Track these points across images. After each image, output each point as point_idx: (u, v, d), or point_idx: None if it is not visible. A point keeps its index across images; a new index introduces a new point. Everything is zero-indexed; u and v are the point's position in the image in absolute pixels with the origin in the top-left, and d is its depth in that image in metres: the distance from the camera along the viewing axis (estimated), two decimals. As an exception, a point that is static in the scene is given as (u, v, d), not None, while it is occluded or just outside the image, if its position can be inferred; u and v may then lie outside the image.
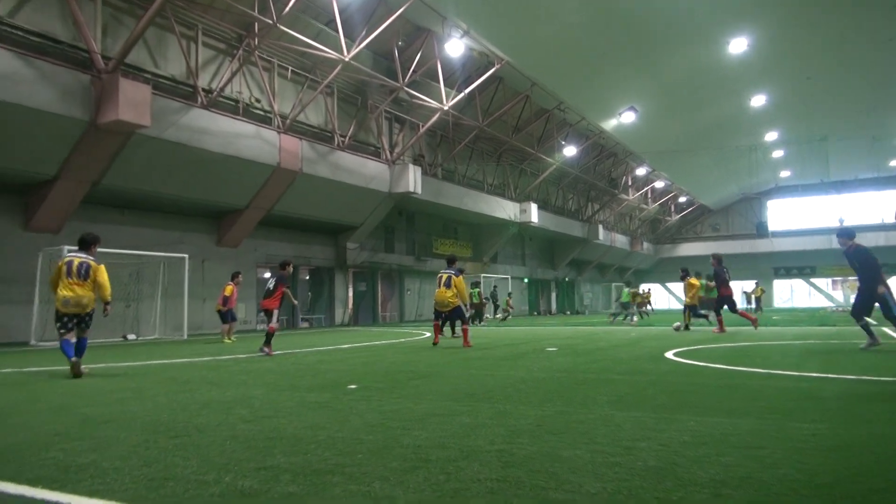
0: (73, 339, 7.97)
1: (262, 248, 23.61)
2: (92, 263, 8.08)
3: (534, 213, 36.59)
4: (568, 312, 47.74)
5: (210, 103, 18.69)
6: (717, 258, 15.61)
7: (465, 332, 12.13)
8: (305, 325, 25.96)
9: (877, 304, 9.18)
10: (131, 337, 17.72)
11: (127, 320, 18.24)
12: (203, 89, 19.05)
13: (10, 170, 15.14)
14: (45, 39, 15.51)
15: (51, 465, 3.32)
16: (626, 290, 24.27)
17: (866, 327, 9.33)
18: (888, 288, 9.01)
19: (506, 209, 35.16)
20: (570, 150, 36.24)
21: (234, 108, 20.34)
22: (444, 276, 12.28)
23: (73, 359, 7.68)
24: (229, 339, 15.13)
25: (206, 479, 3.01)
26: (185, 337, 17.67)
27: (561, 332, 17.70)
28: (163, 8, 15.72)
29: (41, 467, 3.29)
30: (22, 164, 15.13)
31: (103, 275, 8.12)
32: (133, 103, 15.25)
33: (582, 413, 4.60)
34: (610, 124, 35.59)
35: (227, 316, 15.42)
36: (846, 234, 9.64)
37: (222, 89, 19.21)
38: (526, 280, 43.88)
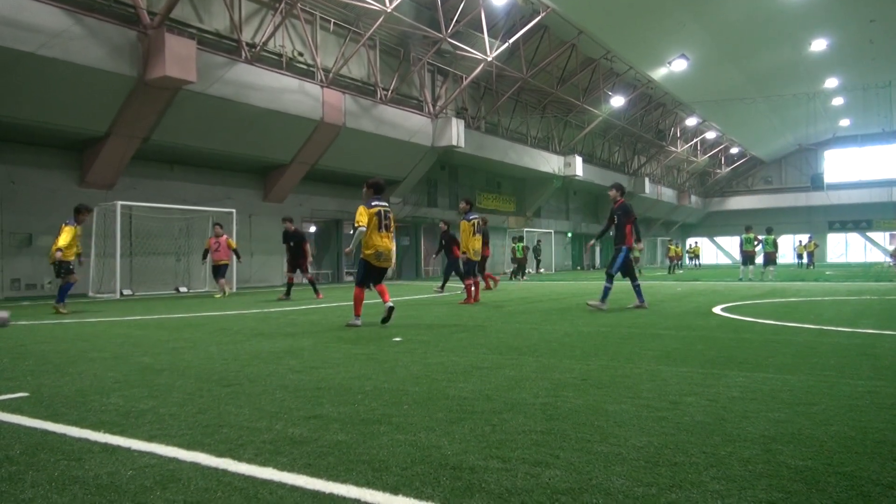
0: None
1: (307, 203, 23.87)
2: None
3: (578, 167, 35.96)
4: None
5: (254, 58, 18.72)
6: None
7: (467, 287, 11.73)
8: (350, 278, 26.31)
9: None
10: (183, 289, 18.29)
11: (178, 273, 18.80)
12: (247, 43, 19.07)
13: (64, 127, 15.52)
14: (92, -4, 15.66)
15: (112, 411, 3.47)
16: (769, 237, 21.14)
17: None
18: None
19: (550, 163, 34.64)
20: (616, 101, 35.28)
21: (278, 62, 20.33)
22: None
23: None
24: (224, 294, 15.38)
25: (258, 426, 3.10)
26: (234, 290, 18.15)
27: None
28: (205, -39, 15.65)
29: (103, 412, 3.45)
30: (75, 121, 15.49)
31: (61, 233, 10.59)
32: (179, 59, 15.37)
33: (627, 368, 4.58)
34: (659, 73, 34.43)
35: (217, 271, 15.59)
36: None
37: (265, 43, 19.19)
38: (569, 234, 43.45)
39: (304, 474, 2.42)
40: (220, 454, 2.66)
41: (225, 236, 15.57)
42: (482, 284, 14.77)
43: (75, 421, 3.25)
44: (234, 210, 18.59)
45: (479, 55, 25.26)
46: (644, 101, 39.30)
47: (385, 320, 7.79)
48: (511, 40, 25.56)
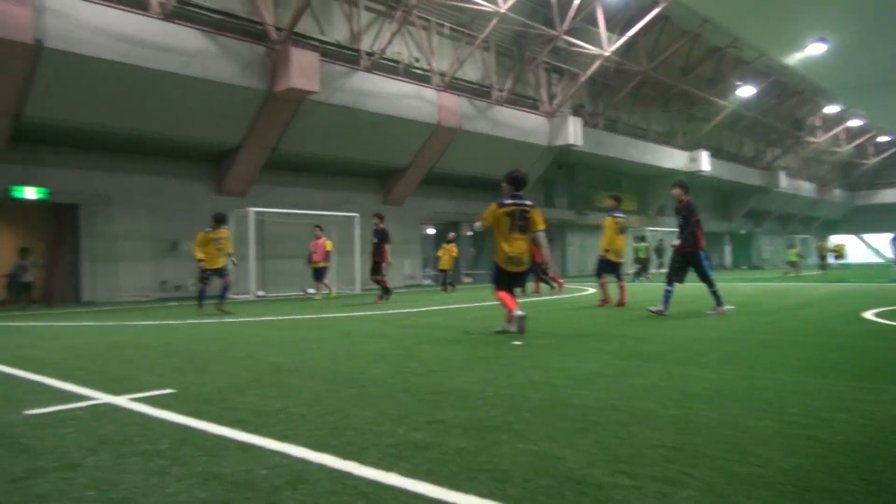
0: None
1: (425, 206, 24.32)
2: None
3: (705, 162, 34.24)
4: (745, 268, 44.53)
5: (372, 66, 19.32)
6: None
7: (602, 286, 11.21)
8: (469, 280, 26.52)
9: None
10: (310, 291, 19.15)
11: (306, 276, 19.71)
12: (366, 52, 19.71)
13: (203, 140, 16.77)
14: (225, 16, 16.79)
15: (247, 410, 3.65)
16: None
17: None
18: None
19: (673, 158, 33.22)
20: (746, 91, 33.26)
21: (395, 69, 20.86)
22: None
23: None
24: (330, 294, 15.67)
25: (381, 429, 3.15)
26: (359, 291, 18.78)
27: (738, 288, 16.53)
28: (327, -24, 16.35)
29: (240, 410, 3.63)
30: (212, 134, 16.69)
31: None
32: (303, 71, 16.16)
33: (767, 378, 4.24)
34: (794, 59, 31.97)
35: (319, 273, 15.67)
36: None
37: (383, 51, 19.75)
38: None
39: (427, 481, 2.41)
40: (345, 457, 2.71)
41: (323, 238, 15.68)
42: (549, 286, 15.39)
43: (214, 418, 3.45)
44: (356, 214, 19.26)
45: (595, 50, 24.67)
46: (778, 90, 36.77)
47: (507, 331, 6.92)
48: (630, 33, 24.76)
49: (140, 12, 14.61)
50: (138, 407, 3.78)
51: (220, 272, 11.29)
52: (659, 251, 30.20)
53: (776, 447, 2.70)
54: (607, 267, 11.09)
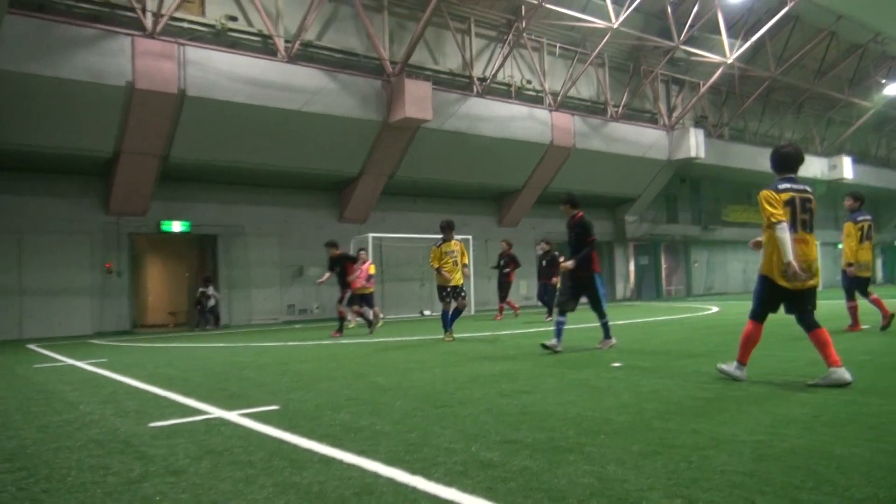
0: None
1: (539, 226, 24.20)
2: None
3: (847, 168, 31.56)
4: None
5: (484, 91, 19.69)
6: None
7: (851, 310, 8.80)
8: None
9: None
10: (427, 313, 19.65)
11: (423, 298, 20.26)
12: (477, 78, 20.12)
13: (325, 171, 17.82)
14: (345, 54, 17.81)
15: (338, 426, 3.90)
16: None
17: None
18: None
19: (811, 166, 30.87)
20: (893, 89, 30.41)
21: (507, 91, 21.10)
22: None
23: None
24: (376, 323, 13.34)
25: (455, 447, 3.27)
26: (472, 312, 19.02)
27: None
28: (438, 7, 16.92)
29: (330, 426, 3.89)
30: (333, 165, 17.69)
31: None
32: (417, 100, 16.78)
33: (878, 404, 3.94)
34: (949, 50, 29.01)
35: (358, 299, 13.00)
36: None
37: (495, 75, 20.08)
38: (839, 246, 38.12)
39: (484, 497, 2.50)
40: (414, 472, 2.86)
41: (368, 262, 13.89)
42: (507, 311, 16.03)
43: (307, 433, 3.72)
44: (470, 236, 19.57)
45: (717, 58, 23.64)
46: (931, 85, 33.33)
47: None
48: (754, 37, 23.49)
49: (267, 57, 15.86)
50: (244, 421, 4.15)
51: (457, 291, 9.77)
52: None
53: (859, 476, 2.55)
54: (855, 284, 8.75)
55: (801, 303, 4.87)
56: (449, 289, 9.71)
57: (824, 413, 3.72)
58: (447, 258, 9.72)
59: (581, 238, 7.72)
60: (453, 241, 9.88)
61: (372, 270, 13.81)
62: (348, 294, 12.24)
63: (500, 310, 16.13)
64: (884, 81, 30.34)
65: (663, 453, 2.99)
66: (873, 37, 27.02)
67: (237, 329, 16.22)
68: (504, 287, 15.85)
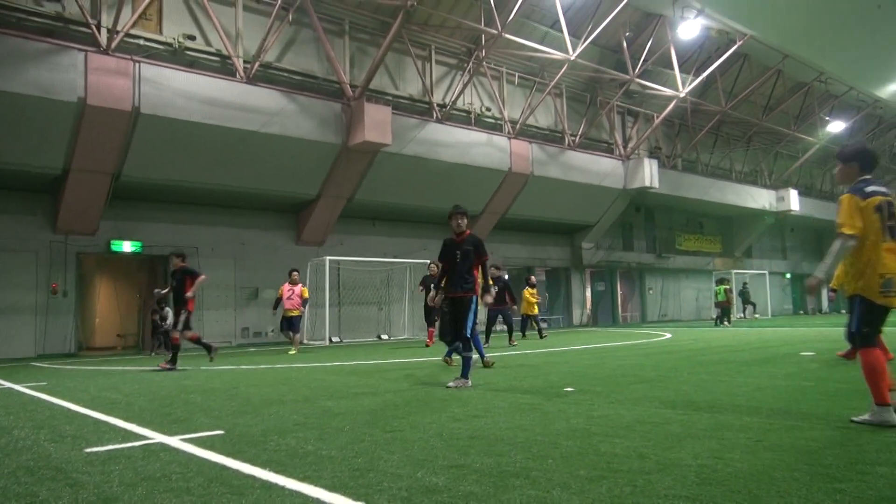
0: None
1: (498, 251, 24.34)
2: None
3: (794, 201, 32.73)
4: (844, 312, 41.74)
5: (444, 117, 19.86)
6: None
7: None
8: (543, 325, 26.18)
9: None
10: (384, 337, 19.48)
11: (380, 322, 20.09)
12: (437, 104, 20.30)
13: (282, 193, 17.64)
14: (304, 77, 17.79)
15: (283, 451, 3.80)
16: None
17: None
18: None
19: (759, 198, 31.97)
20: (836, 126, 31.81)
21: (466, 118, 21.34)
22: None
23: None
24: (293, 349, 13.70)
25: (401, 472, 3.21)
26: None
27: (827, 333, 15.56)
28: (399, 34, 17.08)
29: (276, 452, 3.78)
30: (292, 187, 17.53)
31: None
32: (377, 124, 16.82)
33: (818, 429, 4.02)
34: (888, 91, 30.52)
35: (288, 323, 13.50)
36: None
37: (454, 102, 20.29)
38: (788, 276, 39.33)
39: (427, 524, 2.45)
40: (357, 497, 2.79)
41: (300, 285, 13.80)
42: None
43: (250, 458, 3.61)
44: (428, 260, 19.54)
45: (670, 92, 24.39)
46: (872, 123, 34.98)
47: None
48: (706, 73, 24.37)
49: (226, 77, 15.72)
50: (186, 447, 4.01)
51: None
52: (743, 295, 28.88)
53: (797, 498, 2.58)
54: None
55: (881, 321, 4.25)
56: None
57: (766, 438, 3.78)
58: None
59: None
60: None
61: (305, 294, 13.64)
62: (184, 317, 10.09)
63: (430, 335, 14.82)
64: (828, 118, 31.70)
65: (609, 477, 2.99)
66: (817, 76, 28.28)
67: (188, 352, 15.77)
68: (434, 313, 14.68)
